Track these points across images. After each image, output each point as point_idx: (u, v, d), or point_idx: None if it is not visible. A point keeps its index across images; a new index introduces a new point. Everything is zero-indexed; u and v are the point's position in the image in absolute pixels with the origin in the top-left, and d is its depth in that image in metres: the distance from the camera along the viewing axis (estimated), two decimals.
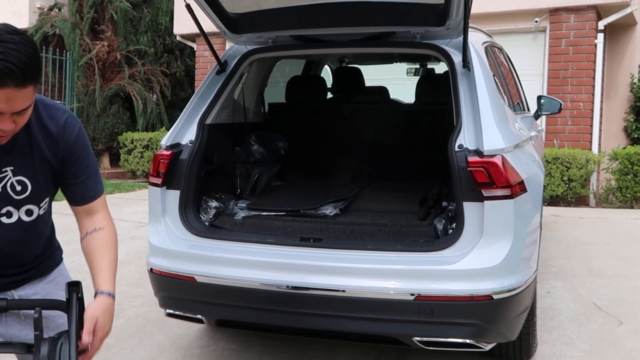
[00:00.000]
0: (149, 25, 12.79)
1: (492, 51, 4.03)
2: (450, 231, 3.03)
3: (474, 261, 2.77)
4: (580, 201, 8.76)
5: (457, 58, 3.22)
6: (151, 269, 3.21)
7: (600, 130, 9.36)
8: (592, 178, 8.81)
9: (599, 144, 9.29)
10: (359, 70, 4.79)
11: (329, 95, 5.01)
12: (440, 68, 4.94)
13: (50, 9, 13.09)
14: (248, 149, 3.85)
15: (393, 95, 5.22)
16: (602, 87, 9.40)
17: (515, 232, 2.81)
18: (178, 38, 12.15)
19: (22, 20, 13.12)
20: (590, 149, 9.08)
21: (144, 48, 12.56)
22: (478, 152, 2.82)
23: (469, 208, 2.81)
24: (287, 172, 4.11)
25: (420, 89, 4.30)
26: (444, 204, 3.36)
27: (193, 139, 3.28)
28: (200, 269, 3.03)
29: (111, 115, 12.46)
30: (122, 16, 12.32)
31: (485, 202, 2.76)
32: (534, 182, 3.21)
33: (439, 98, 4.03)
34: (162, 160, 3.20)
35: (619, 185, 8.43)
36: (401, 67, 6.50)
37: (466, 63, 3.14)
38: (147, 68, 12.57)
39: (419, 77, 4.79)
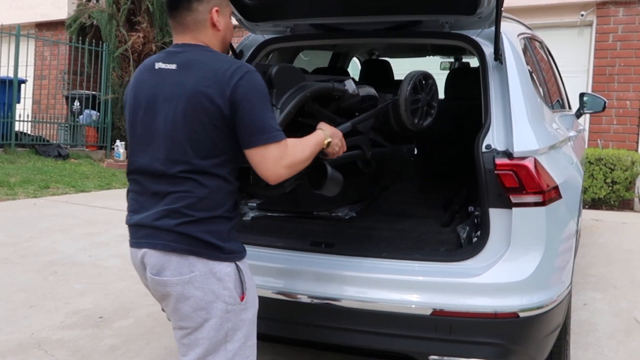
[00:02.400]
0: None
1: (530, 44, 3.73)
2: (475, 240, 2.78)
3: (499, 274, 2.51)
4: (624, 205, 8.32)
5: (488, 50, 2.95)
6: None
7: None
8: (637, 181, 8.35)
9: None
10: (387, 64, 4.53)
11: None
12: (476, 63, 4.66)
13: (88, 0, 13.13)
14: None
15: None
16: None
17: (546, 243, 2.53)
18: None
19: (60, 11, 13.21)
20: (637, 150, 8.62)
21: None
22: (507, 154, 2.55)
23: (496, 215, 2.55)
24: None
25: (449, 84, 4.02)
26: (470, 208, 3.10)
27: None
28: None
29: None
30: (158, 7, 12.26)
31: (513, 209, 2.50)
32: (570, 187, 2.92)
33: (470, 93, 3.75)
34: None
35: None
36: (436, 62, 6.21)
37: (498, 55, 2.86)
38: None
39: (448, 72, 4.50)
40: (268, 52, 3.39)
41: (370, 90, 2.86)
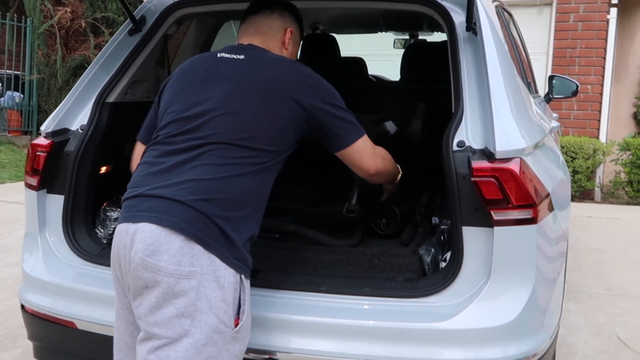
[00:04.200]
0: None
1: (504, 15, 3.10)
2: (443, 264, 2.13)
3: (476, 316, 1.88)
4: (585, 195, 7.89)
5: (458, 17, 2.30)
6: (22, 305, 2.31)
7: (608, 116, 8.48)
8: (598, 170, 7.93)
9: (607, 132, 8.41)
10: (333, 40, 3.84)
11: None
12: (438, 39, 4.01)
13: None
14: None
15: (376, 72, 4.29)
16: (613, 69, 8.47)
17: (537, 273, 1.91)
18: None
19: None
20: (598, 137, 8.20)
21: (112, 16, 11.45)
22: (486, 154, 1.91)
23: (471, 235, 1.91)
24: None
25: (407, 62, 3.33)
26: (434, 220, 2.45)
27: (86, 123, 2.35)
28: (83, 310, 2.13)
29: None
30: None
31: (495, 228, 1.86)
32: (561, 195, 2.30)
33: (434, 75, 3.10)
34: (39, 153, 2.28)
35: (629, 179, 7.57)
36: (389, 40, 5.55)
37: (471, 24, 2.22)
38: None
39: (405, 48, 3.80)
40: (179, 20, 2.65)
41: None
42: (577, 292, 4.21)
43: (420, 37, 4.96)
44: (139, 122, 2.17)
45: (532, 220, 1.88)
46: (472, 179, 1.86)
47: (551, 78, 4.70)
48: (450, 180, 1.92)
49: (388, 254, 2.19)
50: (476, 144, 1.97)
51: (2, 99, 11.06)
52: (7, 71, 11.23)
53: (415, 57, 3.36)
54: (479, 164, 1.87)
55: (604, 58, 8.22)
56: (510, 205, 1.85)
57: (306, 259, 2.19)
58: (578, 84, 4.73)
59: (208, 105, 1.81)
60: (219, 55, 1.94)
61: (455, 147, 1.96)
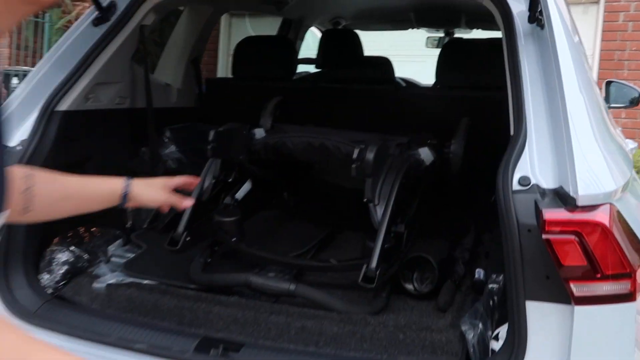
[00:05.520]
0: None
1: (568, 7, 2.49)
2: (494, 344, 1.55)
3: None
4: None
5: (517, 6, 1.73)
6: None
7: None
8: None
9: None
10: (356, 36, 3.26)
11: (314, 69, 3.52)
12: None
13: None
14: (156, 152, 2.35)
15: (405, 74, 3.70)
16: None
17: None
18: None
19: None
20: None
21: None
22: (563, 198, 1.34)
23: (539, 314, 1.34)
24: (223, 191, 2.47)
25: (445, 63, 2.68)
26: (478, 274, 1.86)
27: (27, 137, 1.82)
28: None
29: None
30: None
31: (576, 307, 1.29)
32: None
33: (481, 79, 2.51)
34: None
35: None
36: (421, 38, 4.96)
37: (536, 14, 1.64)
38: None
39: (442, 45, 3.15)
40: (157, 8, 2.11)
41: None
42: None
43: (456, 35, 4.37)
44: (106, 135, 1.65)
45: (630, 296, 1.30)
46: (544, 235, 1.28)
47: (609, 83, 4.10)
48: (509, 234, 1.35)
49: (418, 326, 1.60)
50: (546, 181, 1.39)
51: None
52: (24, 67, 10.87)
53: (457, 56, 2.70)
54: (553, 213, 1.29)
55: None
56: (599, 275, 1.28)
57: (306, 329, 1.62)
58: (639, 91, 4.13)
59: None
60: None
61: (516, 186, 1.39)
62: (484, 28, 4.11)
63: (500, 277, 1.72)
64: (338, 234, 2.31)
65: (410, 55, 5.80)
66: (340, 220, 2.37)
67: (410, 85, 3.70)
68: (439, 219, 2.19)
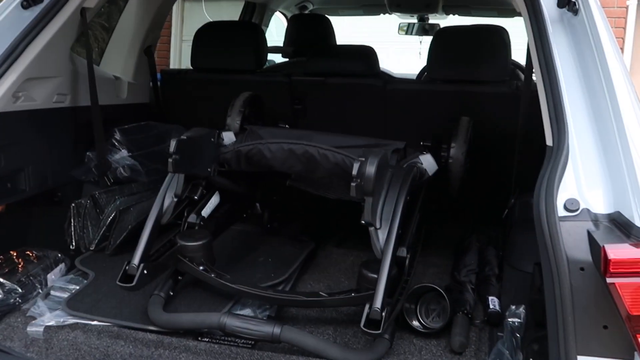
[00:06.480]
0: None
1: None
2: None
3: None
4: None
5: None
6: None
7: None
8: None
9: None
10: (327, 21, 2.95)
11: (279, 58, 3.19)
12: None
13: None
14: (104, 158, 2.00)
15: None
16: (631, 61, 7.71)
17: None
18: None
19: None
20: None
21: None
22: (624, 227, 1.07)
23: None
24: (187, 206, 2.10)
25: (439, 54, 2.31)
26: (493, 304, 1.58)
27: None
28: None
29: None
30: None
31: None
32: None
33: (482, 72, 2.21)
34: None
35: None
36: (393, 24, 4.66)
37: None
38: None
39: (435, 33, 2.80)
40: None
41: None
42: None
43: (431, 22, 4.09)
44: (43, 140, 1.31)
45: None
46: (609, 279, 1.01)
47: None
48: (556, 273, 1.08)
49: None
50: (598, 205, 1.12)
51: None
52: None
53: (453, 46, 2.34)
54: (619, 250, 1.02)
55: (622, 48, 7.47)
56: None
57: None
58: None
59: None
60: None
61: (561, 211, 1.11)
62: (462, 14, 3.85)
63: (521, 310, 1.46)
64: (320, 250, 2.02)
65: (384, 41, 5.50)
66: (322, 234, 2.08)
67: (398, 80, 3.35)
68: (437, 235, 1.93)
